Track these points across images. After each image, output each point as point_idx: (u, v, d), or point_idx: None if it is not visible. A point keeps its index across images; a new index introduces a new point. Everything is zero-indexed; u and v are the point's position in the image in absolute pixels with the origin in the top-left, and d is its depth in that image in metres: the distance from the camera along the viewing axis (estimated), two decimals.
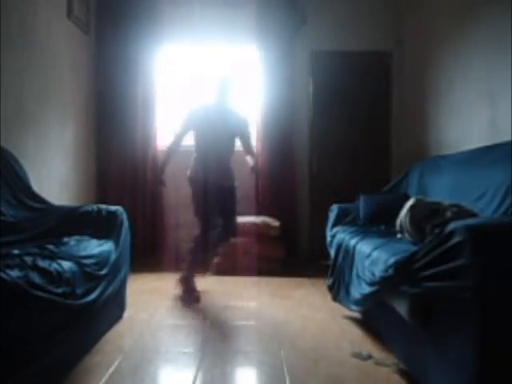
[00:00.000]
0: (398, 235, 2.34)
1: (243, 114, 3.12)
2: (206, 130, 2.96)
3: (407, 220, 2.19)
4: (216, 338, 2.23)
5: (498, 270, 1.23)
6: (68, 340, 1.63)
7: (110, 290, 2.07)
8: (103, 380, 1.73)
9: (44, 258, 1.67)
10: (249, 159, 3.09)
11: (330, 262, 2.75)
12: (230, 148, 3.08)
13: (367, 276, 2.01)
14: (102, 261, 2.00)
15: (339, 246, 2.64)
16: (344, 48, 4.30)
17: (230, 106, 3.06)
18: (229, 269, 3.68)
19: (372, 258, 2.02)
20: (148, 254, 4.05)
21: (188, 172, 3.02)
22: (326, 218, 3.18)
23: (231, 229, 3.12)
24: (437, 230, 1.88)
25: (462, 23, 3.11)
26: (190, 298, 2.87)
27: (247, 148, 3.10)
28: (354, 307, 2.29)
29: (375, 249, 2.06)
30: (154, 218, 4.16)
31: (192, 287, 2.94)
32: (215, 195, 2.95)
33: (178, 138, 3.01)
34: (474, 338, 1.25)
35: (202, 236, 2.95)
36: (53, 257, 1.72)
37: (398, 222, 2.33)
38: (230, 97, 3.04)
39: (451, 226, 1.34)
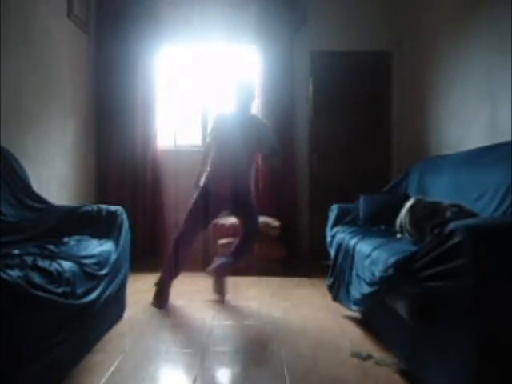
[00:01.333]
0: (398, 235, 2.34)
1: (264, 122, 3.07)
2: (227, 143, 2.88)
3: (407, 220, 2.19)
4: (216, 337, 2.23)
5: (497, 270, 1.23)
6: (68, 340, 1.63)
7: (110, 289, 2.07)
8: (103, 380, 1.73)
9: (44, 257, 1.67)
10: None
11: (330, 262, 2.75)
12: (250, 163, 2.96)
13: (367, 276, 2.01)
14: (102, 261, 2.00)
15: (339, 246, 2.64)
16: (344, 48, 4.29)
17: (251, 114, 3.03)
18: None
19: (372, 257, 2.02)
20: (148, 254, 4.05)
21: (202, 181, 2.94)
22: (326, 217, 3.18)
23: (251, 229, 2.97)
24: (436, 230, 1.88)
25: (462, 23, 3.11)
26: (157, 301, 2.74)
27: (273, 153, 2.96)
28: (354, 307, 2.29)
29: (375, 249, 2.07)
30: (154, 218, 4.16)
31: (165, 292, 2.79)
32: (229, 207, 2.92)
33: (207, 154, 3.01)
34: (473, 337, 1.25)
35: (186, 235, 2.82)
36: (53, 257, 1.72)
37: (397, 222, 2.33)
38: (252, 103, 3.00)
39: (451, 226, 1.34)
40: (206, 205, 2.83)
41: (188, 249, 2.85)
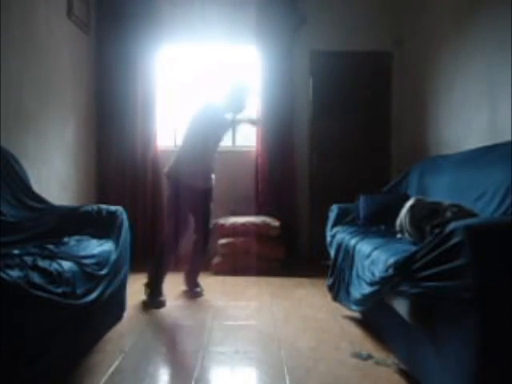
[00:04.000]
0: (398, 235, 2.34)
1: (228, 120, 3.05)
2: (205, 132, 2.86)
3: (407, 220, 2.19)
4: (216, 337, 2.23)
5: (497, 270, 1.23)
6: (68, 340, 1.63)
7: (110, 290, 2.07)
8: (103, 380, 1.73)
9: (44, 258, 1.67)
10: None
11: (330, 262, 2.75)
12: (215, 150, 3.02)
13: (367, 276, 2.01)
14: (102, 261, 2.00)
15: (339, 246, 2.64)
16: (344, 48, 4.30)
17: (234, 115, 3.03)
18: (229, 269, 3.68)
19: (372, 257, 2.02)
20: (148, 254, 4.05)
21: (166, 170, 2.95)
22: (326, 217, 3.18)
23: (204, 232, 3.05)
24: (436, 230, 1.88)
25: (462, 23, 3.11)
26: (154, 302, 2.75)
27: None
28: (354, 307, 2.29)
29: (375, 249, 2.07)
30: (154, 217, 4.15)
31: (158, 291, 2.81)
32: (193, 197, 2.88)
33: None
34: (473, 337, 1.25)
35: (170, 237, 2.87)
36: (53, 257, 1.72)
37: (397, 222, 2.33)
38: (243, 107, 2.99)
39: (451, 226, 1.34)
40: (179, 197, 2.86)
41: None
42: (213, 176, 3.07)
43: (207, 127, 2.87)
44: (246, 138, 4.39)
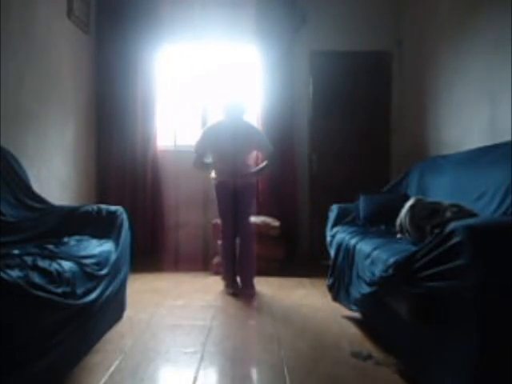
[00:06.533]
0: (398, 235, 2.35)
1: (254, 125, 3.33)
2: (220, 150, 3.15)
3: (407, 220, 2.19)
4: (216, 337, 2.23)
5: (497, 270, 1.23)
6: (68, 340, 1.63)
7: (110, 289, 2.07)
8: (103, 380, 1.73)
9: (44, 258, 1.67)
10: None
11: (330, 262, 2.75)
12: (245, 156, 3.20)
13: (367, 276, 2.01)
14: (102, 261, 2.00)
15: (339, 246, 2.64)
16: (344, 48, 4.29)
17: (241, 121, 3.20)
18: None
19: (372, 257, 2.02)
20: (148, 254, 4.05)
21: (213, 181, 3.26)
22: (326, 218, 3.18)
23: (241, 231, 3.21)
24: (437, 230, 1.88)
25: (461, 23, 3.11)
26: (227, 292, 3.16)
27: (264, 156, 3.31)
28: (354, 307, 2.29)
29: (375, 249, 2.07)
30: (154, 217, 4.16)
31: (227, 284, 3.21)
32: (236, 197, 3.20)
33: (198, 159, 3.23)
34: (474, 337, 1.25)
35: (224, 236, 3.25)
36: (53, 257, 1.72)
37: (397, 222, 2.33)
38: (240, 115, 3.19)
39: (451, 226, 1.34)
40: (225, 197, 3.18)
41: (233, 241, 3.24)
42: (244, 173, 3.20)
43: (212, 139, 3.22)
44: None
